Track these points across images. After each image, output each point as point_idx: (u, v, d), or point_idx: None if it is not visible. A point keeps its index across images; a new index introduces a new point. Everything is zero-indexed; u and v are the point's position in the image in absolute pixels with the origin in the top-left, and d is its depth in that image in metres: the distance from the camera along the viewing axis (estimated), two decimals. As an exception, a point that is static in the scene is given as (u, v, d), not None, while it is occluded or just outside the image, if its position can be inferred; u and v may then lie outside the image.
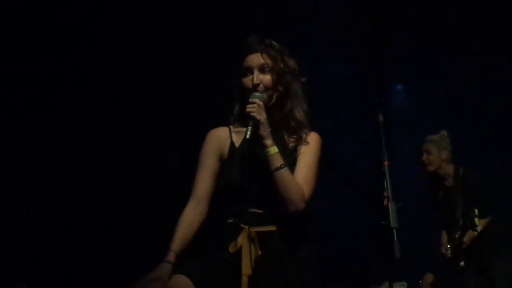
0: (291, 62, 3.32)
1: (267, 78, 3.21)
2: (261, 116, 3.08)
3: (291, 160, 3.18)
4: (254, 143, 3.14)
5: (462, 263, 5.58)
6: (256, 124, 3.09)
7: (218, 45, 6.93)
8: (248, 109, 3.10)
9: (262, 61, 3.21)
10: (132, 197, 6.67)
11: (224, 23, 6.99)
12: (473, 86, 6.92)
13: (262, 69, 3.21)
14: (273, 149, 3.09)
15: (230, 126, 3.34)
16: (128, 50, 6.79)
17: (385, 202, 3.73)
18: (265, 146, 3.10)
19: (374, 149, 4.03)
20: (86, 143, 6.71)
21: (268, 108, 3.17)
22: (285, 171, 3.08)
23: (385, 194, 3.74)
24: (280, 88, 3.23)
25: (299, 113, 3.27)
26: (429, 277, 5.89)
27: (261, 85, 3.19)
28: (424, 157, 5.90)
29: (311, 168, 3.23)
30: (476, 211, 5.47)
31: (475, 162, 6.58)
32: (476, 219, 5.47)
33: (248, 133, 3.07)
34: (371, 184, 6.48)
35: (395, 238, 3.66)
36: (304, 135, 3.27)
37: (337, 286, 6.43)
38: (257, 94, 3.15)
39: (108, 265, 6.48)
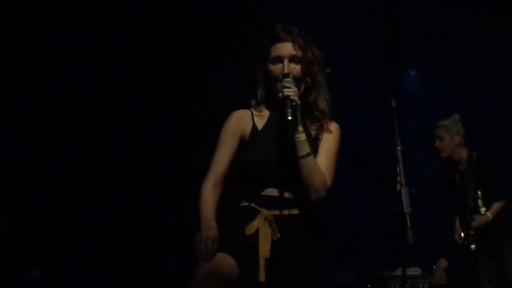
0: (318, 53, 3.35)
1: (296, 68, 3.24)
2: (298, 100, 3.12)
3: (313, 148, 3.20)
4: (283, 128, 3.16)
5: (473, 246, 5.56)
6: (295, 107, 3.12)
7: (216, 43, 6.95)
8: (286, 92, 3.13)
9: (293, 52, 3.24)
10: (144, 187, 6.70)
11: (222, 21, 7.00)
12: (486, 70, 6.89)
13: (292, 59, 3.24)
14: (303, 136, 3.14)
15: (251, 109, 3.35)
16: (127, 50, 6.81)
17: (398, 188, 3.74)
18: (295, 132, 3.13)
19: (387, 135, 4.02)
20: (85, 142, 6.73)
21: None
22: (311, 159, 3.13)
23: (398, 179, 3.74)
24: (308, 78, 3.27)
25: (322, 103, 3.30)
26: (443, 262, 5.89)
27: (290, 75, 3.21)
28: (437, 143, 5.86)
29: (333, 158, 3.28)
30: (479, 192, 5.46)
31: (489, 146, 6.58)
32: (479, 201, 5.46)
33: (289, 116, 3.09)
34: (385, 169, 6.48)
35: (408, 224, 3.67)
36: (325, 124, 3.30)
37: (351, 272, 6.45)
38: (289, 79, 3.17)
39: (117, 253, 6.52)
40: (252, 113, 3.33)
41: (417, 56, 7.51)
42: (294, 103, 3.13)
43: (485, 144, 6.64)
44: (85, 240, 6.51)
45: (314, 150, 3.22)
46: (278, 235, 3.10)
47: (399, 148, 3.80)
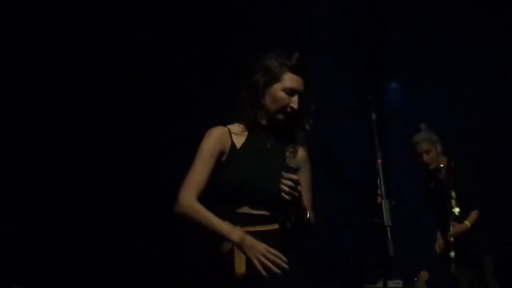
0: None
1: (297, 103, 3.33)
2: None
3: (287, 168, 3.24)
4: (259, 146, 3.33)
5: (452, 254, 5.56)
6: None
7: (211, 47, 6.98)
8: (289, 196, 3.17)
9: (303, 88, 3.36)
10: (121, 200, 6.68)
11: (218, 22, 7.01)
12: (467, 82, 6.92)
13: (300, 94, 3.34)
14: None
15: (228, 127, 3.38)
16: (126, 50, 6.80)
17: (379, 200, 3.74)
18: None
19: (368, 147, 4.04)
20: (82, 143, 6.72)
21: (282, 121, 3.35)
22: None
23: (378, 191, 3.75)
24: (299, 112, 3.36)
25: (302, 132, 3.42)
26: (424, 274, 5.90)
27: (294, 108, 3.32)
28: (425, 158, 5.84)
29: (311, 190, 3.42)
30: (453, 193, 5.47)
31: (469, 158, 6.60)
32: (453, 201, 5.47)
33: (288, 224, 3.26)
34: (365, 182, 6.49)
35: (389, 236, 3.67)
36: (299, 149, 3.42)
37: (332, 284, 6.44)
38: (291, 166, 3.24)
39: (103, 266, 6.48)
40: (229, 130, 3.36)
41: (398, 69, 7.54)
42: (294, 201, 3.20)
43: (466, 155, 6.67)
44: (81, 241, 6.49)
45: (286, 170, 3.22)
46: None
47: (379, 160, 3.81)
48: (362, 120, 4.11)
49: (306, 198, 3.32)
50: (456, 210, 5.50)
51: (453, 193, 5.52)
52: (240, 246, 3.13)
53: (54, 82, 6.64)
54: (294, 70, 3.35)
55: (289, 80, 3.33)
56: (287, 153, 3.38)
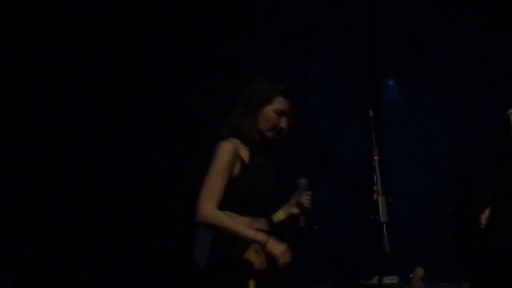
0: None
1: (287, 122, 3.82)
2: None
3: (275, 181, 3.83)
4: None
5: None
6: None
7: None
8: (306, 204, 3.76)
9: (290, 111, 3.83)
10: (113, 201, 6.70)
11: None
12: (465, 80, 6.92)
13: (287, 115, 3.82)
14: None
15: (233, 141, 3.74)
16: (124, 50, 6.83)
17: (375, 197, 3.77)
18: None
19: (365, 144, 4.07)
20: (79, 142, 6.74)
21: (272, 139, 3.81)
22: None
23: (374, 188, 3.77)
24: (285, 131, 3.83)
25: (281, 147, 3.90)
26: (419, 271, 5.91)
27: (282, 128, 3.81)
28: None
29: None
30: None
31: (468, 157, 6.62)
32: None
33: (302, 223, 3.78)
34: (363, 178, 6.50)
35: (385, 233, 3.70)
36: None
37: (327, 280, 6.45)
38: (303, 182, 3.80)
39: (94, 258, 6.50)
40: (236, 145, 3.73)
41: (395, 66, 7.54)
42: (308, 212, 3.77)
43: (466, 154, 6.69)
44: (72, 233, 6.51)
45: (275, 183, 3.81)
46: (266, 266, 3.59)
47: (376, 157, 3.84)
48: (359, 117, 4.15)
49: None
50: None
51: None
52: (265, 245, 3.57)
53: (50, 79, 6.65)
54: (284, 94, 3.80)
55: (280, 103, 3.79)
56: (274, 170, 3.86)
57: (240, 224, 3.61)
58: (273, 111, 3.79)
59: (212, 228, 3.64)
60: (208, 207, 3.56)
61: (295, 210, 3.78)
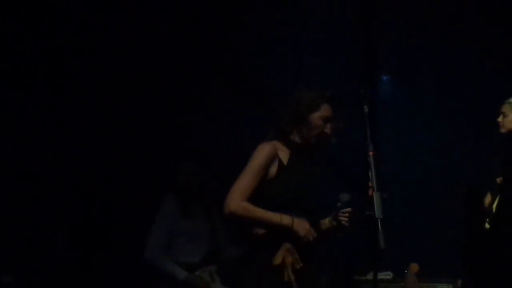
0: None
1: (332, 128, 3.98)
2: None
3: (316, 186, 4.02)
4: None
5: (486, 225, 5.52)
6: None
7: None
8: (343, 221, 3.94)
9: (334, 118, 3.98)
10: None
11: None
12: (460, 76, 6.92)
13: (332, 121, 3.98)
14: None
15: (273, 143, 3.90)
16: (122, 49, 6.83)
17: (370, 192, 3.77)
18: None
19: (360, 140, 4.07)
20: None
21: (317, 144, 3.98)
22: None
23: (369, 184, 3.77)
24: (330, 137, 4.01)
25: (324, 151, 4.11)
26: (414, 267, 5.91)
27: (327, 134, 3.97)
28: (500, 118, 5.65)
29: None
30: None
31: (465, 151, 6.62)
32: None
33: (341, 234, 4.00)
34: (357, 174, 6.50)
35: (380, 228, 3.70)
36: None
37: (322, 276, 6.44)
38: (345, 198, 3.97)
39: (91, 258, 6.49)
40: (275, 147, 3.89)
41: (391, 61, 7.52)
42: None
43: (460, 148, 6.68)
44: (70, 233, 6.50)
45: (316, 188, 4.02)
46: (301, 264, 3.76)
47: (371, 153, 3.84)
48: (354, 113, 4.15)
49: None
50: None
51: None
52: (291, 226, 3.74)
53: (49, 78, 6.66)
54: (330, 101, 3.96)
55: (326, 109, 3.94)
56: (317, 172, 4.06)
57: (267, 213, 3.75)
58: (320, 118, 3.93)
59: (242, 221, 3.80)
60: (237, 201, 3.73)
61: (333, 224, 3.98)
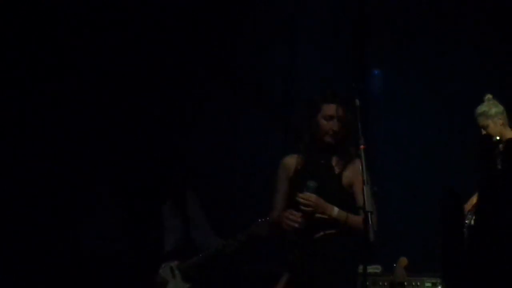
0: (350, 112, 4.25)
1: (338, 125, 4.23)
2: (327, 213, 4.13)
3: (334, 180, 4.22)
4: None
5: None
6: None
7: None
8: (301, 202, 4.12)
9: (340, 113, 4.23)
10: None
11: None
12: (451, 69, 6.92)
13: (338, 118, 4.22)
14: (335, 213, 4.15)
15: (293, 155, 4.32)
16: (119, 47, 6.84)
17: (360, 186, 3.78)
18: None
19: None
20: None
21: (331, 142, 4.24)
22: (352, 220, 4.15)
23: (360, 177, 3.77)
24: (343, 131, 4.23)
25: (351, 148, 4.19)
26: (403, 260, 5.92)
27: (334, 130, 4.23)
28: (483, 132, 5.70)
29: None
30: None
31: (454, 146, 6.62)
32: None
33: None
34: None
35: (370, 222, 3.70)
36: (351, 163, 4.21)
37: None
38: (311, 184, 4.11)
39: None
40: (297, 157, 4.29)
41: (382, 55, 7.52)
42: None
43: (451, 143, 6.69)
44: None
45: (335, 182, 4.21)
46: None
47: (362, 147, 3.85)
48: (346, 106, 4.16)
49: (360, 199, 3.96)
50: None
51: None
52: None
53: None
54: (328, 100, 4.24)
55: (326, 109, 4.23)
56: (337, 167, 4.25)
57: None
58: (323, 118, 4.22)
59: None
60: (271, 217, 4.35)
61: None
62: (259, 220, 5.55)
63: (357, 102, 4.03)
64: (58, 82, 6.72)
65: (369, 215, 3.70)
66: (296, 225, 4.06)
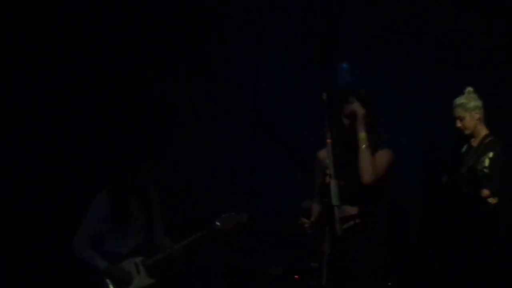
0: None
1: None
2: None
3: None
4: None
5: None
6: None
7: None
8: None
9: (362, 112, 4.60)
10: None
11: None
12: (421, 64, 6.93)
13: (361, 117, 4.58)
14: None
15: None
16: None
17: (327, 180, 3.78)
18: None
19: (319, 126, 4.08)
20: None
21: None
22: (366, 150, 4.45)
23: (327, 171, 3.77)
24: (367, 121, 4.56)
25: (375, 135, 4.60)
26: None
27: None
28: (458, 124, 5.76)
29: (381, 165, 4.52)
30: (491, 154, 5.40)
31: (428, 140, 6.64)
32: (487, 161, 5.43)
33: None
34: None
35: (336, 216, 3.71)
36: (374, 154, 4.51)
37: (280, 263, 6.46)
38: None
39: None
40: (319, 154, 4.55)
41: (351, 49, 7.52)
42: None
43: (425, 136, 6.71)
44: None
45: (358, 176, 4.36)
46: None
47: (328, 141, 3.85)
48: (313, 100, 4.16)
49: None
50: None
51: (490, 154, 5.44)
52: None
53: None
54: (351, 100, 4.62)
55: (348, 108, 4.59)
56: None
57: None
58: (345, 116, 4.59)
59: None
60: (304, 205, 4.91)
61: None
62: (223, 215, 5.57)
63: (324, 95, 4.02)
64: (58, 82, 6.85)
65: (336, 209, 3.70)
66: (309, 231, 4.79)
